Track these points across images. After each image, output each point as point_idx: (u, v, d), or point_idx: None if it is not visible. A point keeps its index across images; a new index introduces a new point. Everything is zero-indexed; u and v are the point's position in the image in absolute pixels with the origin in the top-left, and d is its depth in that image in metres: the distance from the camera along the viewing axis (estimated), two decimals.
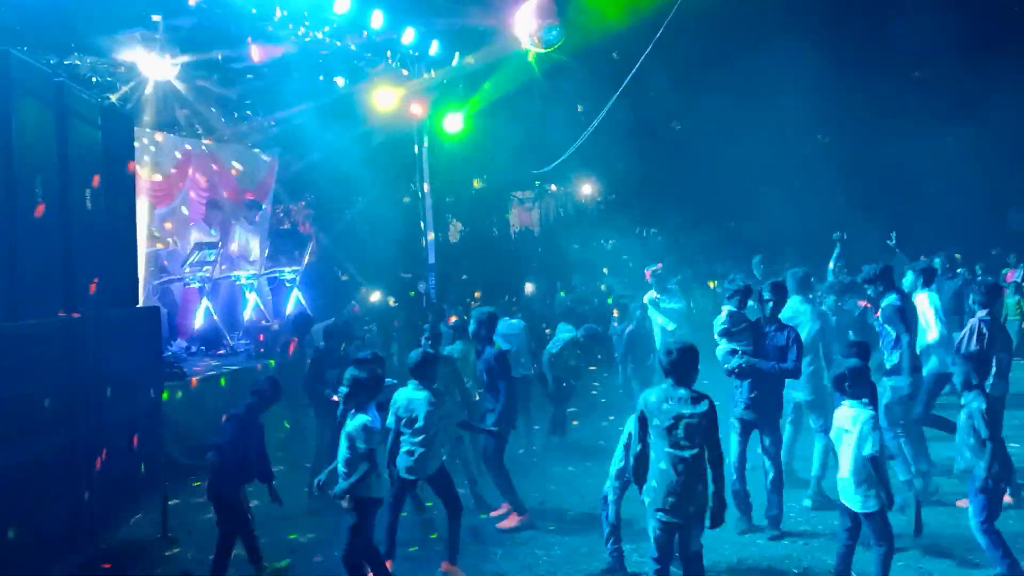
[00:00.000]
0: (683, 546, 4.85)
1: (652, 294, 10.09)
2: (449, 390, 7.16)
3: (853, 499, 5.17)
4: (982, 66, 17.29)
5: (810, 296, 7.88)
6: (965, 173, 17.72)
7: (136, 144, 8.78)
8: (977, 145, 18.16)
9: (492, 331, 7.32)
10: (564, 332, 9.57)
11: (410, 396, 5.94)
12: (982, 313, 7.19)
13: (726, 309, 6.86)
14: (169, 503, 6.96)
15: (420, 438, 5.84)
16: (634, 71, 12.99)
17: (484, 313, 7.35)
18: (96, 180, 6.05)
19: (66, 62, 9.88)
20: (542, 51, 10.95)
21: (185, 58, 10.62)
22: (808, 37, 16.67)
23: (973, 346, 6.98)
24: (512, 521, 6.90)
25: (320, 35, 11.75)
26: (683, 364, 4.84)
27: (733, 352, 6.68)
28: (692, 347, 4.94)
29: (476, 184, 21.43)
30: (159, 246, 10.98)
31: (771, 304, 6.72)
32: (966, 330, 7.26)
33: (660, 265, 10.33)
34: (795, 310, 7.54)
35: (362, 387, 5.34)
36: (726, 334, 6.73)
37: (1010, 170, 18.36)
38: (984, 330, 7.06)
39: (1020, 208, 18.25)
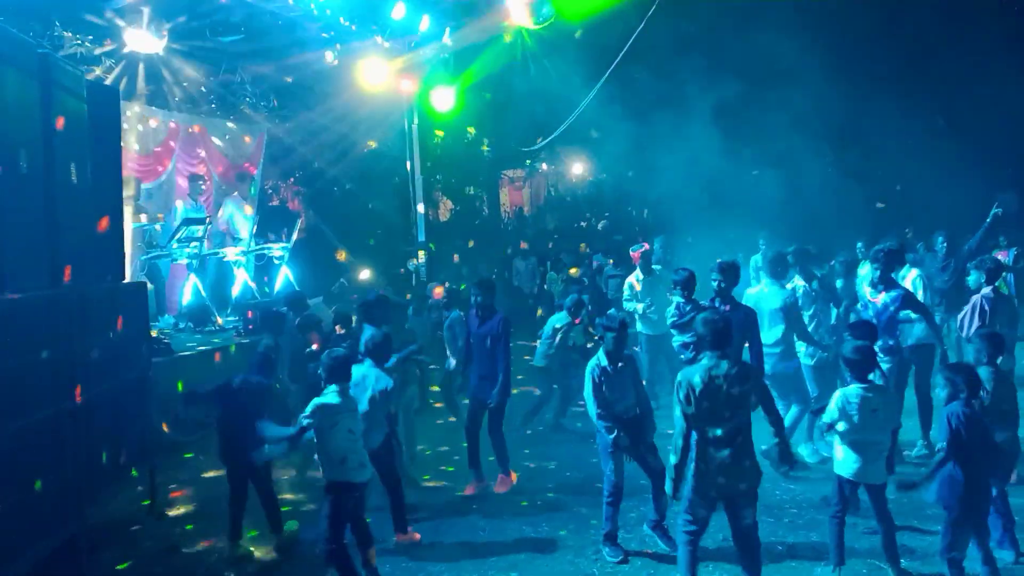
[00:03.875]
0: (735, 520, 4.91)
1: (638, 275, 9.98)
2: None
3: (876, 472, 5.27)
4: (973, 48, 17.27)
5: (782, 275, 7.84)
6: (955, 155, 17.75)
7: (123, 119, 8.70)
8: (967, 127, 18.18)
9: (492, 299, 7.34)
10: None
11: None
12: (986, 290, 7.29)
13: (674, 301, 6.89)
14: (157, 478, 6.98)
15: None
16: (627, 47, 12.91)
17: (483, 281, 7.53)
18: (82, 154, 5.99)
19: (51, 34, 9.73)
20: (534, 27, 10.87)
21: (172, 31, 10.47)
22: (796, 20, 16.61)
23: (976, 321, 7.10)
24: (504, 485, 7.20)
25: (309, 9, 11.60)
26: (726, 333, 4.89)
27: (685, 345, 6.70)
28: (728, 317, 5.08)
29: (484, 147, 21.13)
30: (145, 220, 10.88)
31: (719, 284, 6.81)
32: (968, 307, 7.34)
33: (647, 246, 10.24)
34: (766, 288, 7.66)
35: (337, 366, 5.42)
36: (677, 327, 6.74)
37: (999, 153, 18.38)
38: (986, 306, 7.17)
39: (1008, 191, 18.32)
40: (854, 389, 5.30)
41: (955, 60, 17.74)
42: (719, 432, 4.75)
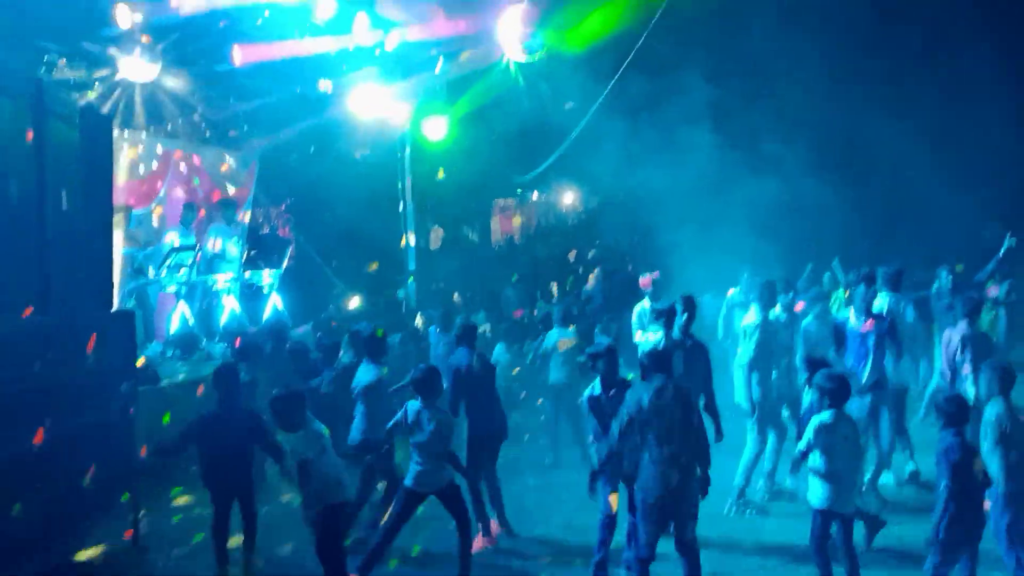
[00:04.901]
0: (680, 532, 5.28)
1: (645, 304, 9.85)
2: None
3: (847, 502, 5.44)
4: (958, 83, 17.54)
5: (770, 302, 7.85)
6: (942, 188, 17.92)
7: (115, 145, 8.70)
8: (953, 160, 18.37)
9: (473, 339, 7.36)
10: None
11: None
12: (961, 324, 7.38)
13: (660, 333, 6.93)
14: (140, 509, 6.88)
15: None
16: (619, 74, 13.03)
17: (467, 322, 7.57)
18: (73, 180, 5.98)
19: (46, 60, 9.77)
20: (525, 60, 10.99)
21: (166, 59, 10.53)
22: (788, 48, 16.82)
23: (965, 354, 7.24)
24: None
25: (303, 39, 11.68)
26: (668, 360, 5.41)
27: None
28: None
29: (441, 174, 21.06)
30: (134, 246, 10.84)
31: (685, 318, 6.90)
32: (957, 341, 7.39)
33: (657, 273, 10.18)
34: (752, 313, 7.74)
35: (284, 411, 5.39)
36: None
37: (986, 186, 18.55)
38: (956, 339, 7.32)
39: (995, 225, 18.45)
40: (827, 416, 5.35)
41: (941, 86, 17.98)
42: (667, 451, 5.11)
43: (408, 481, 5.91)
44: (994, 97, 16.88)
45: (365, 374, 6.85)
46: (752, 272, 11.23)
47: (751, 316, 7.65)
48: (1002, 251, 9.27)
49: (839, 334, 7.44)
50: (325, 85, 13.21)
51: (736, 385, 7.68)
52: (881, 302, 7.78)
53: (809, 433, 5.39)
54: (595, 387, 5.98)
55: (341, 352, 8.11)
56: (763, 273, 10.67)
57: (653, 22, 11.32)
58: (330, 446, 5.45)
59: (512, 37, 10.84)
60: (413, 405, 5.90)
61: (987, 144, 17.98)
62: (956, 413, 5.04)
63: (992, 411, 5.39)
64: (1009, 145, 17.68)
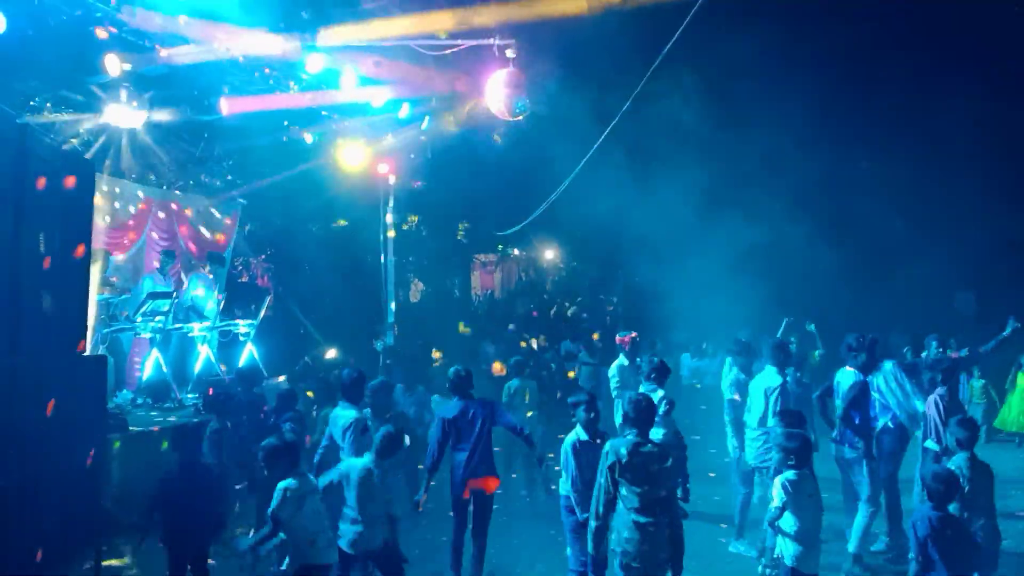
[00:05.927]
0: None
1: (623, 360, 9.78)
2: None
3: (813, 561, 5.40)
4: (932, 150, 18.01)
5: (785, 362, 7.98)
6: (912, 255, 18.23)
7: (96, 190, 8.71)
8: (926, 227, 18.76)
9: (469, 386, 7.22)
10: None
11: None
12: (940, 390, 7.57)
13: (659, 392, 7.04)
14: (104, 561, 6.69)
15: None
16: (604, 136, 13.21)
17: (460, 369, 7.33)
18: (52, 224, 5.96)
19: (31, 104, 9.81)
20: (510, 119, 11.18)
21: (152, 107, 10.60)
22: (765, 120, 17.24)
23: (936, 421, 7.45)
24: None
25: (290, 91, 11.83)
26: (650, 414, 5.32)
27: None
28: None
29: (460, 234, 21.25)
30: (110, 292, 10.74)
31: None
32: (925, 410, 7.56)
33: (635, 334, 10.26)
34: (766, 372, 7.82)
35: (278, 455, 5.30)
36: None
37: (956, 253, 18.90)
38: (940, 405, 7.54)
39: (967, 291, 18.73)
40: (791, 475, 5.39)
41: (916, 152, 18.43)
42: (641, 502, 5.03)
43: (343, 544, 5.68)
44: (967, 166, 17.31)
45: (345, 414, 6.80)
46: (750, 336, 11.40)
47: (768, 378, 7.73)
48: (1008, 330, 9.39)
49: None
50: (310, 136, 13.33)
51: (747, 443, 7.80)
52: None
53: (780, 491, 5.40)
54: (580, 434, 5.99)
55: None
56: (746, 332, 10.85)
57: (641, 84, 11.52)
58: (314, 503, 5.28)
59: (497, 97, 11.05)
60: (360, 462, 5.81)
61: (959, 212, 18.37)
62: (943, 491, 5.08)
63: (955, 463, 5.65)
64: (980, 214, 18.07)
